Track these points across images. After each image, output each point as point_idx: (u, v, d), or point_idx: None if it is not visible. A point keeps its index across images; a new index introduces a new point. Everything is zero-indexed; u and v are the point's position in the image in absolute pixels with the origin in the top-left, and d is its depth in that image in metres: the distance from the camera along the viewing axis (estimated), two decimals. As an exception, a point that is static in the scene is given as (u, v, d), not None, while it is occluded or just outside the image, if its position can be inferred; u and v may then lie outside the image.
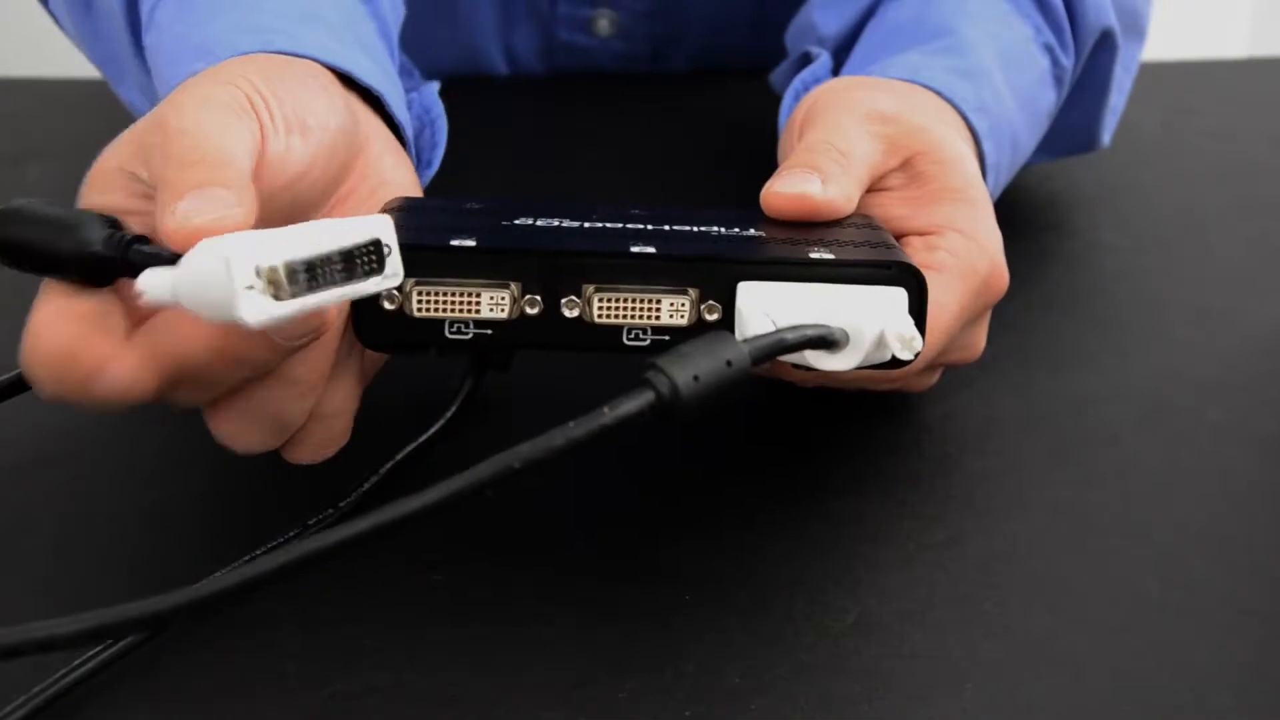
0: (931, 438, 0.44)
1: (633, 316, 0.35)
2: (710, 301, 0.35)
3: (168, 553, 0.38)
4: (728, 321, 0.35)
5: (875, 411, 0.45)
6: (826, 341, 0.33)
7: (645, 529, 0.40)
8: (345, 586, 0.37)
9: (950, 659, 0.35)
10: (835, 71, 0.54)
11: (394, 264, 0.31)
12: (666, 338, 0.35)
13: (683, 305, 0.35)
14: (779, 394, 0.44)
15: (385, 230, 0.31)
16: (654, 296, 0.35)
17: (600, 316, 0.35)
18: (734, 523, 0.40)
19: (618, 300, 0.35)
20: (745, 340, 0.31)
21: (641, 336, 0.35)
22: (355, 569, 0.37)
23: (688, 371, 0.29)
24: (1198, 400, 0.46)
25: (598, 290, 0.35)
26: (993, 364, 0.45)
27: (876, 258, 0.36)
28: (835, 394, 0.45)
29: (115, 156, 0.35)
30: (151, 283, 0.30)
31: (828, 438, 0.44)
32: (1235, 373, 0.48)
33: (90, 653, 0.33)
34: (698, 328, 0.35)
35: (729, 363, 0.30)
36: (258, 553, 0.37)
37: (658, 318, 0.35)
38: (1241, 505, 0.41)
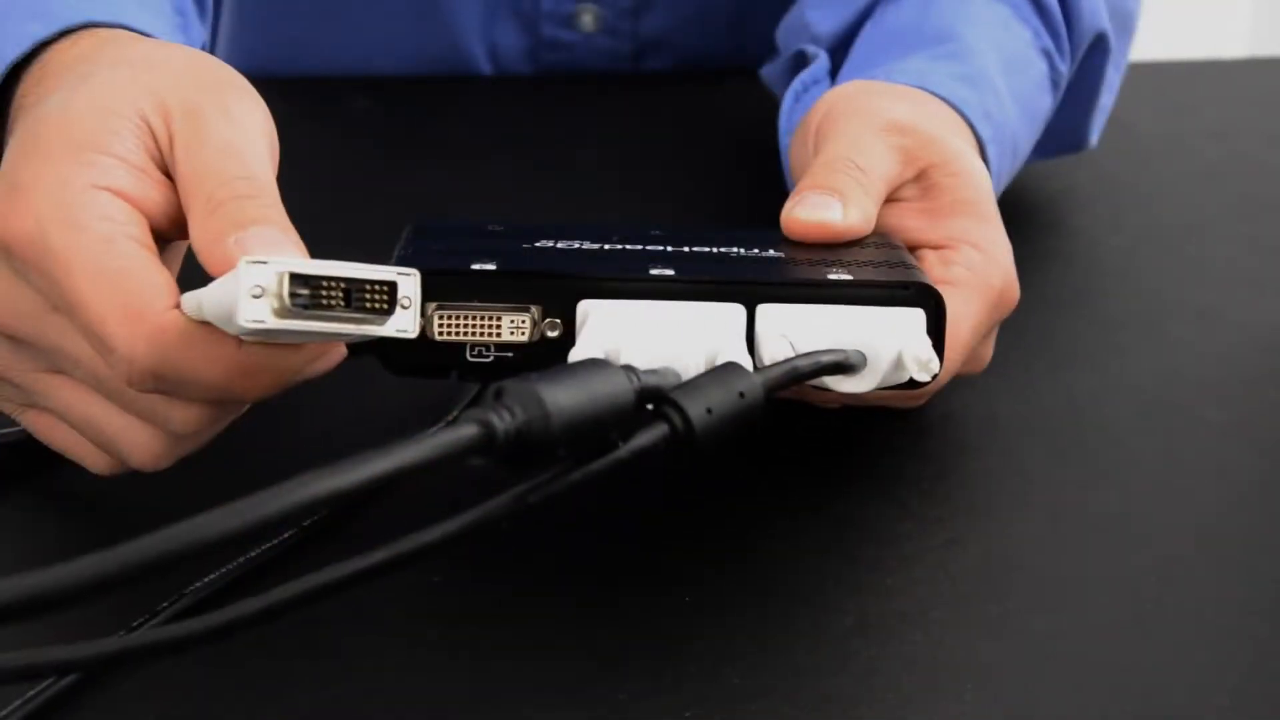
0: (931, 438, 0.44)
1: None
2: None
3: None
4: (749, 344, 0.35)
5: (875, 413, 0.45)
6: (842, 367, 0.33)
7: (645, 530, 0.40)
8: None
9: (950, 659, 0.35)
10: (833, 73, 0.54)
11: (408, 319, 0.31)
12: None
13: None
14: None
15: (409, 283, 0.31)
16: None
17: None
18: (734, 524, 0.40)
19: None
20: (758, 370, 0.31)
21: None
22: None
23: (700, 404, 0.29)
24: (1198, 400, 0.46)
25: None
26: (993, 364, 0.45)
27: (895, 278, 0.36)
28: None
29: (137, 110, 0.34)
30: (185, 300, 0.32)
31: (827, 439, 0.44)
32: (1235, 373, 0.48)
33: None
34: None
35: (741, 394, 0.29)
36: (248, 556, 0.37)
37: None
38: (1241, 505, 0.41)
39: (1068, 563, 0.38)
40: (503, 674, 0.34)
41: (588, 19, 0.75)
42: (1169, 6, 0.63)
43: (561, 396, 0.26)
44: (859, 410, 0.45)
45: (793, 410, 0.44)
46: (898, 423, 0.45)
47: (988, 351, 0.44)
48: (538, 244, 0.38)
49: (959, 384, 0.46)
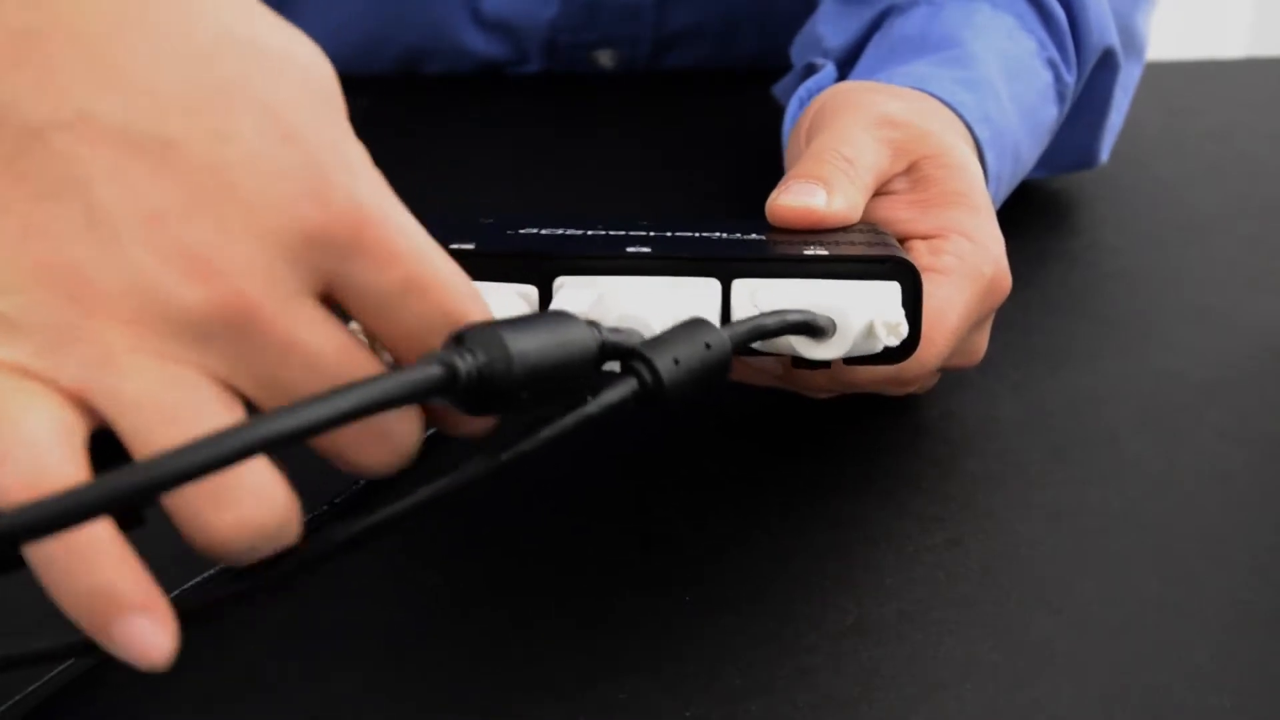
0: (931, 438, 0.44)
1: None
2: None
3: (163, 549, 0.38)
4: (723, 318, 0.35)
5: (874, 412, 0.45)
6: (810, 328, 0.33)
7: (645, 529, 0.40)
8: (344, 586, 0.37)
9: (950, 659, 0.35)
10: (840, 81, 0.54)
11: None
12: None
13: None
14: (778, 395, 0.44)
15: None
16: None
17: None
18: (734, 524, 0.40)
19: None
20: (725, 326, 0.31)
21: None
22: (354, 569, 0.37)
23: (667, 356, 0.29)
24: (1198, 400, 0.46)
25: None
26: (993, 364, 0.45)
27: (871, 253, 0.36)
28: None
29: None
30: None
31: (827, 439, 0.44)
32: (1235, 373, 0.48)
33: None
34: None
35: (707, 345, 0.30)
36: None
37: None
38: (1241, 505, 0.41)
39: (1067, 563, 0.38)
40: (503, 674, 0.34)
41: (604, 59, 0.76)
42: (1169, 6, 0.63)
43: (524, 341, 0.26)
44: (858, 409, 0.45)
45: (792, 410, 0.45)
46: (897, 422, 0.45)
47: (982, 343, 0.43)
48: (521, 230, 0.38)
49: (959, 384, 0.46)
